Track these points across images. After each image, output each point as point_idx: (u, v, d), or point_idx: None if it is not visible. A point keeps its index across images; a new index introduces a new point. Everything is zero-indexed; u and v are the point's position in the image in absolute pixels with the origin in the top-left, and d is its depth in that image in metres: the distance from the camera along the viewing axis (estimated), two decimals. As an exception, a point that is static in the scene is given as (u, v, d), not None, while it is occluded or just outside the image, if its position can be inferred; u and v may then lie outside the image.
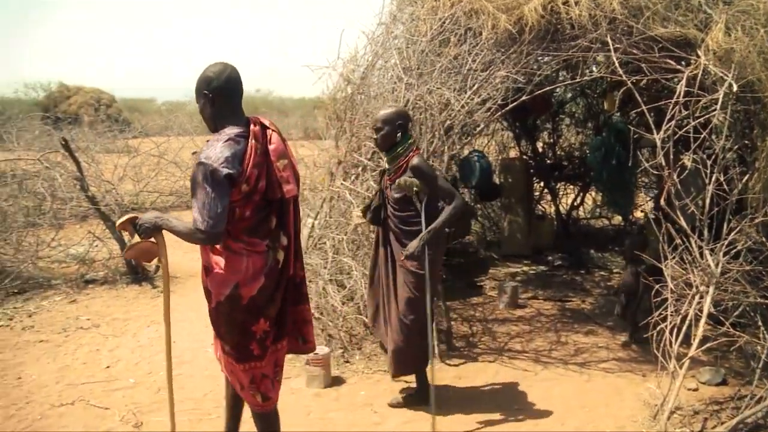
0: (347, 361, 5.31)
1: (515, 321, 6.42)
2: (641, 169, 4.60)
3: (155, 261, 3.60)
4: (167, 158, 13.06)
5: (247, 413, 3.51)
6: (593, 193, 10.17)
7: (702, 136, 4.32)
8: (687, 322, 4.12)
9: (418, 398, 4.58)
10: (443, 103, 5.43)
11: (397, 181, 4.28)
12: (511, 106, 5.57)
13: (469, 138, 6.15)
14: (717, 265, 4.17)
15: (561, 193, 10.20)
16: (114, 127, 16.26)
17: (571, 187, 10.20)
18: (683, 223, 4.32)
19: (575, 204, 10.13)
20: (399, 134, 4.31)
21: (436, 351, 5.28)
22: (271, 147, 3.14)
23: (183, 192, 12.70)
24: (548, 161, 9.99)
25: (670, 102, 4.48)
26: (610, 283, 7.64)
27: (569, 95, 9.75)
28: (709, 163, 4.30)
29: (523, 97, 5.49)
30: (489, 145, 10.11)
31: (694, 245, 4.30)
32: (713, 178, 4.29)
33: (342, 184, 5.95)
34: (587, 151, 9.01)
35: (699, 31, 4.88)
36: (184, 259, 7.82)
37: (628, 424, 4.29)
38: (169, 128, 17.36)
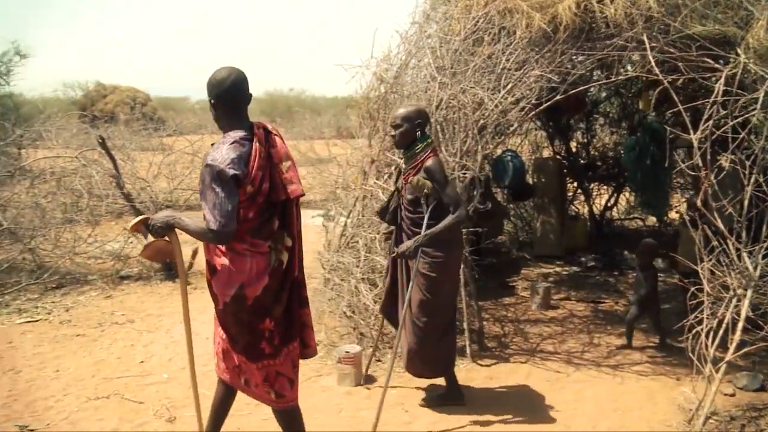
0: (379, 360, 5.32)
1: (547, 322, 6.38)
2: (677, 169, 4.52)
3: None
4: (201, 156, 13.15)
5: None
6: (627, 194, 10.05)
7: (741, 136, 4.24)
8: (724, 325, 4.05)
9: (448, 398, 4.57)
10: (477, 102, 5.40)
11: (410, 179, 4.27)
12: (544, 105, 5.54)
13: (503, 137, 6.13)
14: (755, 267, 4.09)
15: (594, 193, 10.11)
16: (149, 125, 16.44)
17: (605, 187, 10.10)
18: (720, 224, 4.25)
19: (609, 204, 10.02)
20: (418, 133, 4.28)
21: (468, 351, 5.28)
22: (274, 150, 3.22)
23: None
24: (582, 161, 9.91)
25: (708, 101, 4.40)
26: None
27: (603, 95, 9.65)
28: (747, 163, 4.21)
29: (557, 97, 5.44)
30: (522, 144, 10.04)
31: (731, 247, 4.22)
32: (752, 179, 4.21)
33: (375, 182, 5.97)
34: (621, 151, 8.91)
35: (739, 28, 4.78)
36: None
37: (661, 428, 4.23)
38: (203, 126, 17.50)
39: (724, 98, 4.37)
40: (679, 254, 5.35)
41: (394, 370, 5.12)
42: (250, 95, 3.28)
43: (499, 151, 7.98)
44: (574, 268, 8.33)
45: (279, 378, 3.29)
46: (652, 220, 10.00)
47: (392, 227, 4.64)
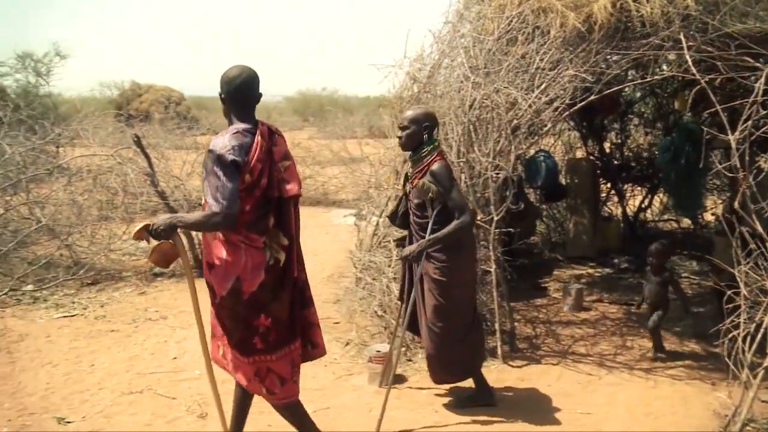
0: (409, 360, 5.32)
1: (579, 324, 6.32)
2: (713, 171, 4.44)
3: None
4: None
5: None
6: (661, 195, 9.91)
7: (781, 137, 4.16)
8: (762, 330, 3.97)
9: (478, 399, 4.55)
10: (510, 102, 5.37)
11: (416, 183, 4.25)
12: (578, 105, 5.47)
13: (536, 138, 6.08)
14: (795, 271, 4.01)
15: (628, 194, 9.98)
16: (183, 124, 16.59)
17: (639, 188, 9.97)
18: (758, 227, 4.17)
19: (643, 206, 9.89)
20: (425, 135, 4.25)
21: (499, 352, 5.26)
22: (275, 148, 3.32)
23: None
24: (615, 162, 9.79)
25: (747, 101, 4.32)
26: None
27: (638, 95, 9.51)
28: (788, 165, 4.14)
29: (591, 97, 5.39)
30: (555, 145, 9.96)
31: (770, 251, 4.14)
32: (792, 181, 4.12)
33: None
34: (656, 152, 8.79)
35: (781, 26, 4.70)
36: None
37: (696, 434, 4.17)
38: (236, 125, 17.62)
39: (765, 98, 4.28)
40: (714, 257, 5.26)
41: (425, 370, 5.13)
42: (260, 95, 3.39)
43: (532, 152, 7.92)
44: (607, 270, 8.23)
45: (270, 374, 3.36)
46: (686, 222, 9.85)
47: (405, 233, 4.63)
